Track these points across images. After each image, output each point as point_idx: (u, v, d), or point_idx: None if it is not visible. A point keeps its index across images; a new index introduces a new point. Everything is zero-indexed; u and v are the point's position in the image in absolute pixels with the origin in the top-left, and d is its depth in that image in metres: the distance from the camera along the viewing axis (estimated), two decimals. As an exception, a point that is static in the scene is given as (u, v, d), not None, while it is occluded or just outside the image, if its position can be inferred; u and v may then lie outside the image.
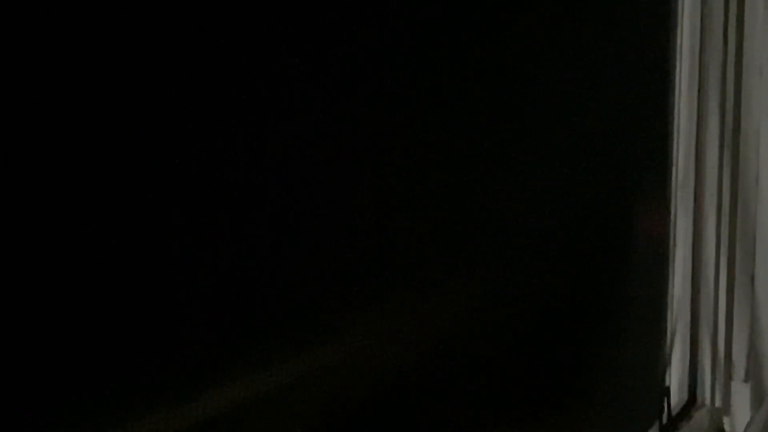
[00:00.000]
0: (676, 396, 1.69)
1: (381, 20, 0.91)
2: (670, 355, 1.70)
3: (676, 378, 1.70)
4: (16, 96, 0.58)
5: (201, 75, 0.71)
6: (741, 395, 1.73)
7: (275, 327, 0.80)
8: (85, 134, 0.62)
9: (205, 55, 0.71)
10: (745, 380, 1.73)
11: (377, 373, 0.95)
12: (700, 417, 1.66)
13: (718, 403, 1.72)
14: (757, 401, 1.73)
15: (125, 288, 0.66)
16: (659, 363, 1.66)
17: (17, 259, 0.58)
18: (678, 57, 1.63)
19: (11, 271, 0.58)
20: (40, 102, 0.59)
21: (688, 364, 1.70)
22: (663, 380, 1.67)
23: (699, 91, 1.65)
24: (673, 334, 1.69)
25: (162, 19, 0.66)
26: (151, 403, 0.69)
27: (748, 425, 1.65)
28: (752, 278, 1.72)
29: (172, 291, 0.70)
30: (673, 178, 1.68)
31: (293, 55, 0.79)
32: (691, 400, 1.70)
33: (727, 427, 1.74)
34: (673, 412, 1.63)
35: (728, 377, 1.73)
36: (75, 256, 0.62)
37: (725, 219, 1.70)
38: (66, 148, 0.61)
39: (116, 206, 0.64)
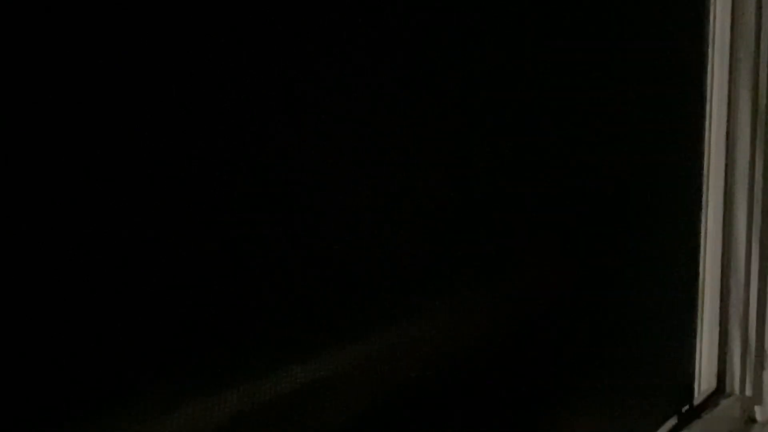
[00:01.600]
0: (705, 384, 1.66)
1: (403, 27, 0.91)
2: (699, 342, 1.67)
3: (705, 366, 1.68)
4: (16, 96, 0.59)
5: (203, 78, 0.71)
6: (774, 384, 1.70)
7: (286, 333, 0.82)
8: (87, 136, 0.63)
9: (205, 57, 0.71)
10: (778, 369, 1.70)
11: (398, 371, 0.96)
12: (728, 405, 1.64)
13: (748, 392, 1.69)
14: (789, 390, 1.70)
15: (132, 295, 0.67)
16: (687, 351, 1.64)
17: (29, 262, 0.60)
18: (710, 42, 1.61)
19: (17, 273, 0.60)
20: (41, 102, 0.60)
21: (716, 351, 1.67)
22: (691, 368, 1.65)
23: (730, 85, 1.62)
24: (702, 322, 1.67)
25: (160, 20, 0.67)
26: (226, 381, 0.71)
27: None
28: (785, 264, 1.68)
29: (192, 300, 0.71)
30: (705, 164, 1.65)
31: (292, 63, 0.80)
32: (720, 389, 1.67)
33: (758, 416, 1.71)
34: (700, 400, 1.61)
35: (759, 366, 1.70)
36: (91, 262, 0.63)
37: (757, 204, 1.66)
38: (71, 149, 0.62)
39: (123, 211, 0.65)
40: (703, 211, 1.66)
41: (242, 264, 0.73)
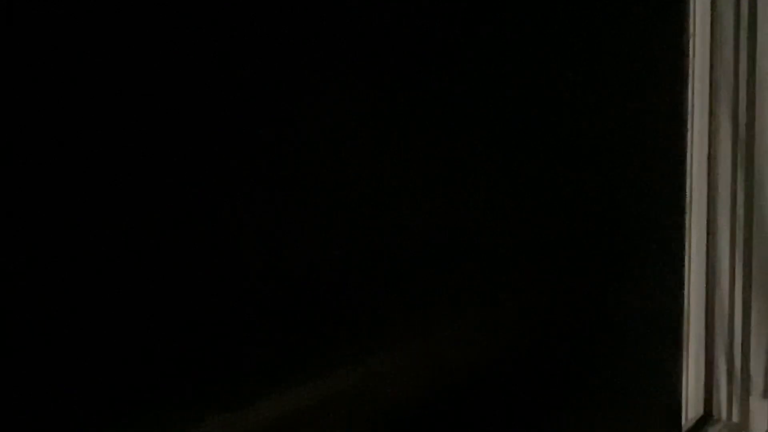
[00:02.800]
0: (692, 411, 1.65)
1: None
2: (685, 369, 1.67)
3: (691, 392, 1.67)
4: (16, 96, 0.58)
5: (200, 78, 0.71)
6: (760, 411, 1.69)
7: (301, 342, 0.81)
8: (88, 138, 0.62)
9: (202, 57, 0.71)
10: (764, 395, 1.69)
11: (401, 378, 0.95)
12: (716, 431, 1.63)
13: (735, 419, 1.67)
14: (776, 417, 1.69)
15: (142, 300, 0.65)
16: (674, 377, 1.63)
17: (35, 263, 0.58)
18: (691, 49, 1.62)
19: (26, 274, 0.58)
20: (41, 102, 0.59)
21: (702, 378, 1.66)
22: (678, 395, 1.64)
23: (711, 98, 1.64)
24: (688, 348, 1.66)
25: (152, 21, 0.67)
26: (223, 402, 0.69)
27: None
28: (769, 290, 1.68)
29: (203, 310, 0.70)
30: (688, 188, 1.66)
31: (285, 65, 0.80)
32: (707, 415, 1.66)
33: (746, 443, 1.70)
34: (688, 427, 1.60)
35: (746, 392, 1.69)
36: (98, 265, 0.62)
37: (740, 230, 1.67)
38: (73, 151, 0.61)
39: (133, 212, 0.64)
40: (687, 238, 1.66)
41: (216, 287, 0.72)
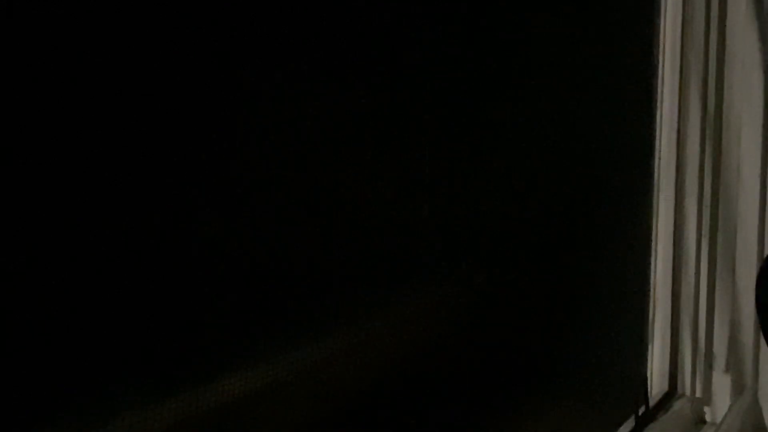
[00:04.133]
0: (657, 386, 1.70)
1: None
2: (650, 345, 1.71)
3: (656, 368, 1.71)
4: (16, 96, 0.58)
5: (197, 76, 0.71)
6: (722, 385, 1.75)
7: (270, 321, 0.81)
8: (81, 135, 0.63)
9: (200, 56, 0.71)
10: (726, 371, 1.74)
11: (357, 370, 0.96)
12: (680, 407, 1.68)
13: (698, 394, 1.73)
14: (737, 391, 1.74)
15: (116, 284, 0.66)
16: (640, 353, 1.68)
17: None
18: (661, 51, 1.64)
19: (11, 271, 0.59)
20: (41, 102, 0.60)
21: (668, 354, 1.71)
22: (644, 370, 1.68)
23: (681, 82, 1.66)
24: (653, 325, 1.70)
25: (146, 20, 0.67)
26: (162, 393, 0.70)
27: (726, 415, 1.67)
28: (733, 268, 1.73)
29: (168, 288, 0.70)
30: (656, 170, 1.68)
31: (282, 61, 0.80)
32: (672, 391, 1.71)
33: (708, 417, 1.75)
34: (653, 402, 1.65)
35: (709, 368, 1.74)
36: (67, 251, 0.62)
37: (706, 210, 1.71)
38: (66, 148, 0.62)
39: (108, 200, 0.65)
40: (654, 218, 1.69)
41: (174, 268, 0.71)
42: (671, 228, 1.69)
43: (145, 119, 0.68)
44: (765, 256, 1.48)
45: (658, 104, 1.66)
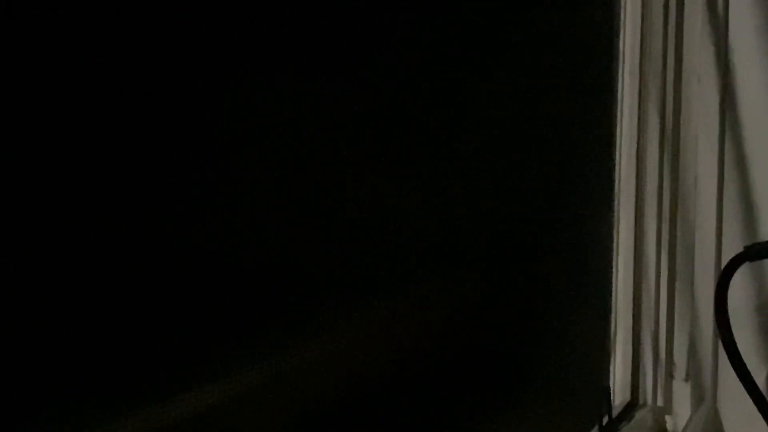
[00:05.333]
0: (619, 396, 1.72)
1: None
2: (612, 356, 1.73)
3: (618, 379, 1.74)
4: (16, 96, 0.58)
5: (195, 76, 0.72)
6: (682, 394, 1.77)
7: (256, 325, 0.82)
8: (79, 134, 0.63)
9: (198, 56, 0.72)
10: (686, 380, 1.77)
11: (328, 376, 0.96)
12: (642, 416, 1.70)
13: (659, 403, 1.76)
14: (697, 400, 1.77)
15: (105, 286, 0.66)
16: (601, 364, 1.70)
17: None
18: (620, 67, 1.67)
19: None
20: (40, 102, 0.60)
21: (630, 365, 1.74)
22: (606, 381, 1.70)
23: (640, 97, 1.69)
24: (615, 336, 1.73)
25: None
26: (134, 402, 0.69)
27: (688, 424, 1.70)
28: (692, 280, 1.76)
29: (155, 290, 0.70)
30: (616, 182, 1.71)
31: (282, 59, 0.81)
32: (633, 401, 1.73)
33: (669, 426, 1.78)
34: (616, 413, 1.67)
35: (669, 377, 1.77)
36: (57, 253, 0.62)
37: (665, 222, 1.74)
38: (63, 147, 0.62)
39: (97, 200, 0.65)
40: (615, 231, 1.71)
41: (146, 273, 0.71)
42: (632, 241, 1.72)
43: (141, 119, 0.68)
44: (723, 267, 1.51)
45: (618, 119, 1.69)
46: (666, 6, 1.69)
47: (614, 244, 1.71)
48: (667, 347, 1.75)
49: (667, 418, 1.78)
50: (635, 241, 1.72)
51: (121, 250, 0.68)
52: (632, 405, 1.72)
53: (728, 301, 1.49)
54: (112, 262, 0.67)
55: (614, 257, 1.71)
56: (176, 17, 0.71)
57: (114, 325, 0.68)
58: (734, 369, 1.44)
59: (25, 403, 0.62)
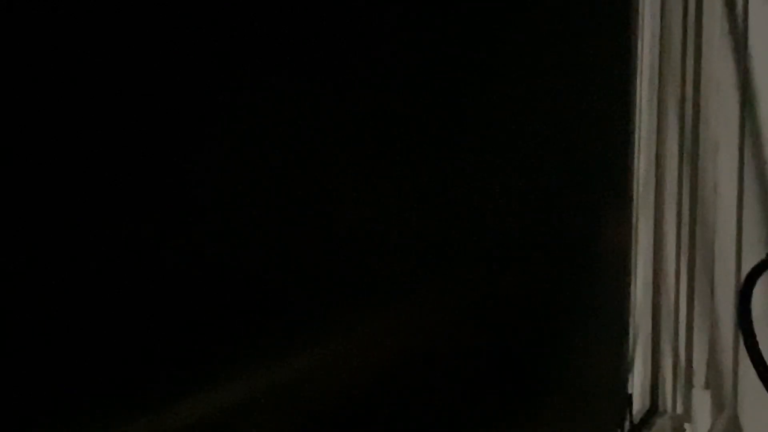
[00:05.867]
0: (638, 404, 1.72)
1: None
2: (632, 363, 1.73)
3: (638, 386, 1.73)
4: (15, 96, 0.59)
5: (193, 76, 0.72)
6: (702, 402, 1.77)
7: (260, 329, 0.81)
8: (76, 134, 0.63)
9: (196, 56, 0.72)
10: (705, 387, 1.76)
11: (343, 376, 0.96)
12: (662, 424, 1.69)
13: (679, 410, 1.75)
14: (717, 408, 1.76)
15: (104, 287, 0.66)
16: (621, 371, 1.69)
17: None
18: (638, 73, 1.67)
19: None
20: (39, 102, 0.60)
21: (649, 372, 1.73)
22: (625, 388, 1.70)
23: (659, 104, 1.69)
24: (634, 343, 1.72)
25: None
26: (135, 406, 0.69)
27: (709, 432, 1.69)
28: (711, 286, 1.75)
29: (157, 292, 0.70)
30: (635, 188, 1.71)
31: (283, 58, 0.81)
32: (653, 408, 1.73)
33: (688, 433, 1.78)
34: (636, 420, 1.66)
35: (689, 384, 1.76)
36: (58, 253, 0.62)
37: (685, 229, 1.73)
38: (59, 147, 0.62)
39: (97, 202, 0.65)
40: (634, 238, 1.71)
41: (143, 276, 0.71)
42: (651, 247, 1.72)
43: (138, 119, 0.68)
44: (745, 274, 1.51)
45: (637, 125, 1.69)
46: (685, 12, 1.69)
47: (633, 251, 1.71)
48: (686, 354, 1.75)
49: (687, 426, 1.77)
50: (654, 248, 1.71)
51: (125, 255, 0.68)
52: (652, 412, 1.72)
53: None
54: (117, 267, 0.67)
55: (633, 264, 1.71)
56: (176, 17, 0.71)
57: (119, 330, 0.68)
58: (758, 376, 1.43)
59: (30, 406, 0.62)
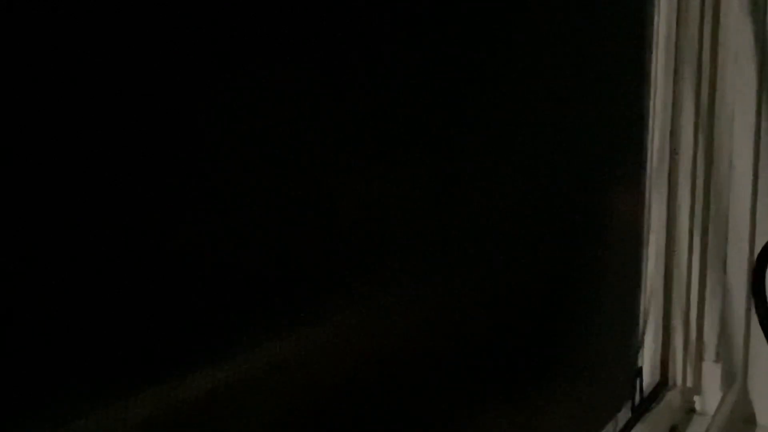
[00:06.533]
0: (648, 376, 1.72)
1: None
2: (642, 336, 1.73)
3: (648, 359, 1.73)
4: (15, 96, 0.58)
5: (191, 76, 0.71)
6: (712, 375, 1.77)
7: (256, 311, 0.81)
8: (69, 132, 0.63)
9: (194, 56, 0.71)
10: (716, 360, 1.76)
11: (349, 362, 0.96)
12: (672, 397, 1.69)
13: (689, 383, 1.75)
14: (727, 381, 1.76)
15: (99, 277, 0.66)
16: (632, 344, 1.69)
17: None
18: (654, 43, 1.65)
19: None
20: (41, 102, 0.60)
21: (660, 345, 1.73)
22: (636, 361, 1.70)
23: (675, 76, 1.67)
24: (645, 316, 1.72)
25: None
26: (135, 385, 0.70)
27: (719, 405, 1.69)
28: (724, 261, 1.75)
29: (154, 278, 0.70)
30: (648, 162, 1.70)
31: (285, 55, 0.80)
32: (663, 381, 1.73)
33: (698, 406, 1.78)
34: (646, 393, 1.66)
35: (699, 358, 1.76)
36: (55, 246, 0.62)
37: (699, 202, 1.72)
38: (58, 147, 0.62)
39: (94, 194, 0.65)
40: (647, 208, 1.70)
41: (145, 261, 0.70)
42: (664, 220, 1.71)
43: (130, 115, 0.68)
44: (759, 249, 1.50)
45: (651, 97, 1.68)
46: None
47: (646, 224, 1.70)
48: (697, 328, 1.74)
49: (696, 398, 1.77)
50: (667, 222, 1.71)
51: (129, 240, 0.68)
52: (662, 385, 1.72)
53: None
54: (124, 247, 0.67)
55: (646, 238, 1.70)
56: (176, 17, 0.70)
57: (124, 308, 0.68)
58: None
59: (32, 383, 0.62)
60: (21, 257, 0.60)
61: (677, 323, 1.73)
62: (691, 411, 1.77)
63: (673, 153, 1.68)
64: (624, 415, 1.57)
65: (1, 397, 0.60)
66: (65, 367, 0.64)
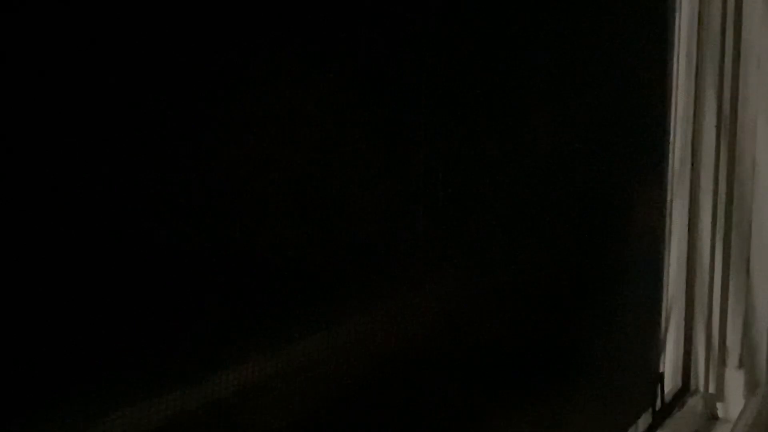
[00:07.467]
0: (670, 382, 1.70)
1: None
2: (664, 341, 1.71)
3: (670, 364, 1.72)
4: (15, 96, 0.59)
5: (190, 75, 0.71)
6: (734, 382, 1.75)
7: (264, 317, 0.82)
8: (69, 132, 0.63)
9: (194, 56, 0.71)
10: (739, 367, 1.75)
11: (368, 364, 0.96)
12: (694, 403, 1.68)
13: (711, 390, 1.73)
14: (750, 387, 1.74)
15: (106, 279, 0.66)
16: (654, 349, 1.68)
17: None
18: (676, 48, 1.64)
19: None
20: (41, 103, 0.60)
21: (682, 350, 1.72)
22: (657, 367, 1.68)
23: (696, 80, 1.66)
24: (667, 321, 1.71)
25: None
26: (142, 392, 0.70)
27: (742, 411, 1.67)
28: (747, 265, 1.73)
29: (161, 283, 0.70)
30: (670, 166, 1.69)
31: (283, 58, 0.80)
32: (685, 387, 1.71)
33: (720, 413, 1.76)
34: (667, 399, 1.65)
35: (722, 364, 1.75)
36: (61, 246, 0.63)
37: (721, 206, 1.71)
38: (52, 148, 0.62)
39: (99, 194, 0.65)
40: (669, 212, 1.69)
41: (160, 266, 0.70)
42: (686, 225, 1.70)
43: (130, 116, 0.68)
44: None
45: (673, 101, 1.67)
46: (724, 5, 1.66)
47: (668, 228, 1.69)
48: (720, 334, 1.73)
49: (719, 405, 1.76)
50: (689, 226, 1.69)
51: (140, 235, 0.68)
52: (684, 391, 1.70)
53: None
54: (133, 247, 0.68)
55: (667, 241, 1.69)
56: (176, 17, 0.70)
57: (143, 309, 0.68)
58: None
59: (53, 382, 0.62)
60: (44, 264, 0.60)
61: (699, 328, 1.72)
62: (713, 417, 1.75)
63: (695, 156, 1.67)
64: (644, 421, 1.56)
65: (26, 400, 0.61)
66: (87, 371, 0.64)
